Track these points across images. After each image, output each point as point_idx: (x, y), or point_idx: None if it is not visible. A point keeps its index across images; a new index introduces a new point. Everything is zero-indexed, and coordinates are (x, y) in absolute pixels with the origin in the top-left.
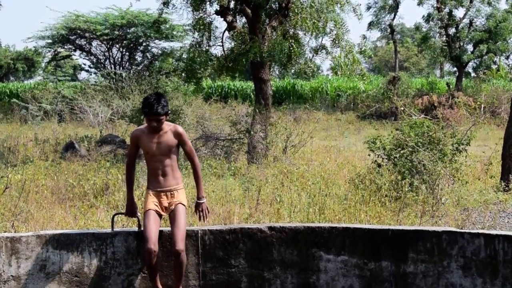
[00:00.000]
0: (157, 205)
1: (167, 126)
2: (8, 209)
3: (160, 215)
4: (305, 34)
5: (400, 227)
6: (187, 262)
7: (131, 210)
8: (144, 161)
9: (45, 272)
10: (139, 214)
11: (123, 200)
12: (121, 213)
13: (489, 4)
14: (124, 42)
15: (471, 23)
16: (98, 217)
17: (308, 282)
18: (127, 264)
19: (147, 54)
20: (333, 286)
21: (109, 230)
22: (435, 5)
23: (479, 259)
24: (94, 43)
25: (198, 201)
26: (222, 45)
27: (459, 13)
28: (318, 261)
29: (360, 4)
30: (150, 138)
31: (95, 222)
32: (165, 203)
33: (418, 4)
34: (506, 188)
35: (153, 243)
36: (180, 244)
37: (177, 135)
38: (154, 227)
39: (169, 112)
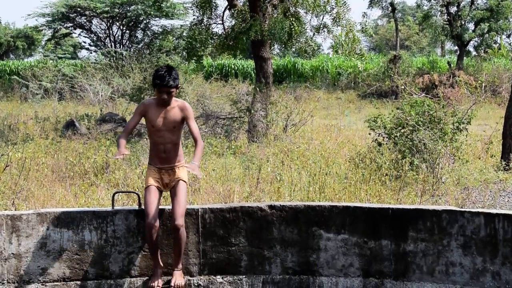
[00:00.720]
0: (158, 181)
1: (175, 101)
2: (9, 187)
3: (160, 191)
4: (306, 12)
5: (400, 206)
6: (187, 240)
7: (121, 151)
8: (146, 139)
9: (46, 250)
10: (139, 193)
11: (124, 179)
12: (122, 191)
13: None
14: (125, 20)
15: (472, 2)
16: (99, 195)
17: (308, 260)
18: (128, 242)
19: (148, 32)
20: (333, 264)
21: (109, 208)
22: None
23: (479, 238)
24: (94, 21)
25: (193, 163)
26: (223, 23)
27: None
28: (318, 239)
29: None
30: (158, 112)
31: (95, 200)
32: (166, 179)
33: None
34: (507, 167)
35: (154, 218)
36: (180, 220)
37: (184, 110)
38: (155, 203)
39: (179, 85)
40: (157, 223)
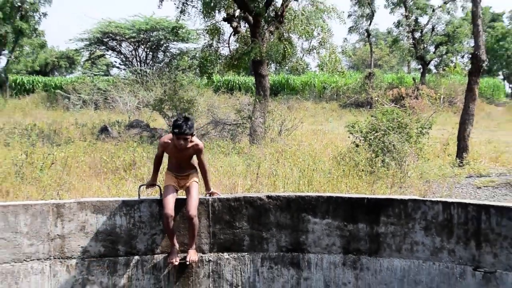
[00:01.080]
0: (175, 183)
1: (190, 142)
2: (54, 181)
3: (176, 189)
4: (298, 38)
5: (374, 196)
6: (200, 224)
7: (151, 184)
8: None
9: (85, 231)
10: (160, 185)
11: (147, 174)
12: (146, 184)
13: (448, 13)
14: (148, 43)
15: (433, 29)
16: (127, 187)
17: (298, 241)
18: (151, 225)
19: (167, 53)
20: (319, 244)
21: (136, 198)
22: (404, 14)
23: (438, 222)
24: (124, 44)
25: (210, 191)
26: (229, 46)
27: (423, 20)
28: (307, 223)
29: (344, 12)
30: (175, 150)
31: (125, 191)
32: (182, 182)
33: (390, 13)
34: (461, 164)
35: (170, 210)
36: (193, 211)
37: (197, 150)
38: (172, 198)
39: (194, 133)
40: (172, 214)
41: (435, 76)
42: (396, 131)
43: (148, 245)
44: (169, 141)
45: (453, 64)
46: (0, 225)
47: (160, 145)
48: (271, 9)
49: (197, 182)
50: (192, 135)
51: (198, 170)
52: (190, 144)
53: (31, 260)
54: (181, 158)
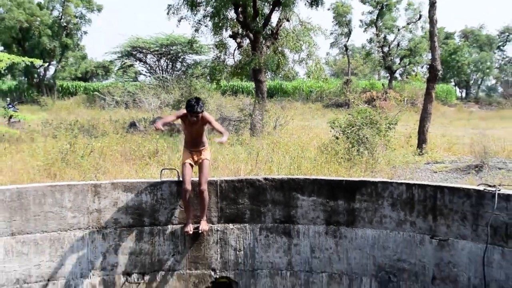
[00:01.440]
0: (190, 159)
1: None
2: (92, 166)
3: (192, 166)
4: (290, 51)
5: (351, 178)
6: (210, 201)
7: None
8: (182, 134)
9: (117, 207)
10: (177, 169)
11: (168, 160)
12: (167, 168)
13: (410, 32)
14: (169, 55)
15: (398, 44)
16: (151, 171)
17: (289, 214)
18: (171, 202)
19: (184, 63)
20: (306, 216)
21: (158, 179)
22: (375, 32)
23: (402, 199)
24: (149, 56)
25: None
26: (234, 58)
27: (390, 37)
28: (296, 200)
29: (327, 30)
30: (189, 123)
31: (149, 174)
32: (196, 158)
33: (364, 31)
34: (420, 153)
35: (188, 184)
36: (204, 185)
37: (206, 120)
38: (189, 174)
39: (204, 110)
40: (190, 188)
41: (400, 82)
42: (369, 126)
43: (168, 217)
44: (185, 115)
45: (415, 73)
46: (49, 201)
47: (178, 114)
48: (267, 28)
49: (208, 160)
50: (202, 112)
51: (208, 148)
52: (200, 115)
53: (73, 229)
54: (194, 132)
